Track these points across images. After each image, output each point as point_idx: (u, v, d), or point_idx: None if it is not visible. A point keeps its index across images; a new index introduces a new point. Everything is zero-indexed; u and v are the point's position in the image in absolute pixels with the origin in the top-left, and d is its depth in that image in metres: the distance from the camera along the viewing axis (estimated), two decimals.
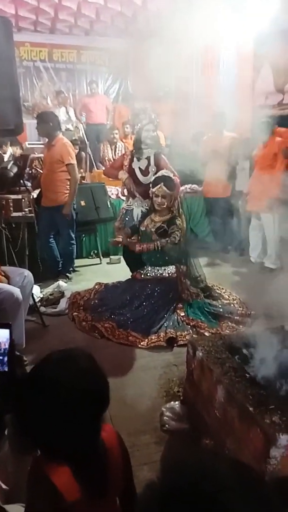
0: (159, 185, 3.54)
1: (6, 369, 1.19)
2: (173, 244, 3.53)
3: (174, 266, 3.65)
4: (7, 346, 1.19)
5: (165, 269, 3.64)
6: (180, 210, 3.77)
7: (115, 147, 6.53)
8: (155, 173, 3.76)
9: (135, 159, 3.90)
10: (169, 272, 3.64)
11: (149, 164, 3.85)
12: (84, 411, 1.01)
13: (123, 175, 3.91)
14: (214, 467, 0.69)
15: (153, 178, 3.66)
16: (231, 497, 0.62)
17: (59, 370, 1.04)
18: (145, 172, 3.86)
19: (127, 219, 4.00)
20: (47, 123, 4.29)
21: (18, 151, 6.10)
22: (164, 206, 3.58)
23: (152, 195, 3.61)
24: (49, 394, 1.00)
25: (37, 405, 1.00)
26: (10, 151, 6.03)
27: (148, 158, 3.85)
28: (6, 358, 1.18)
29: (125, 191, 4.17)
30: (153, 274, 3.66)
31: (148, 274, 3.68)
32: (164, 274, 3.63)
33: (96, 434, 1.07)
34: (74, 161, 4.40)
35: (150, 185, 3.67)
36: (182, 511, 0.62)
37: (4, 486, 1.06)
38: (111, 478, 1.09)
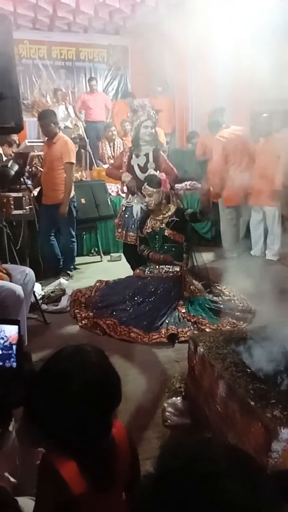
0: (143, 186, 3.58)
1: (14, 365, 1.20)
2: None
3: (178, 265, 3.67)
4: (15, 342, 1.21)
5: (169, 268, 3.66)
6: (179, 203, 3.80)
7: (114, 144, 6.53)
8: (154, 170, 3.77)
9: (133, 155, 3.90)
10: (173, 270, 3.65)
11: (147, 161, 3.85)
12: (95, 406, 1.03)
13: (126, 177, 3.88)
14: (207, 450, 0.70)
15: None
16: (224, 479, 0.63)
17: (70, 364, 1.06)
18: (143, 169, 3.86)
19: (126, 216, 4.01)
20: (49, 122, 4.30)
21: (9, 150, 6.04)
22: (152, 204, 3.59)
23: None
24: (60, 388, 1.01)
25: (48, 398, 1.02)
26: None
27: (146, 155, 3.86)
28: (15, 354, 1.20)
29: (124, 188, 4.17)
30: (157, 272, 3.68)
31: (152, 272, 3.70)
32: (168, 273, 3.65)
33: (106, 429, 1.08)
34: (73, 160, 4.41)
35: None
36: (174, 494, 0.63)
37: (12, 479, 1.08)
38: (118, 473, 1.11)
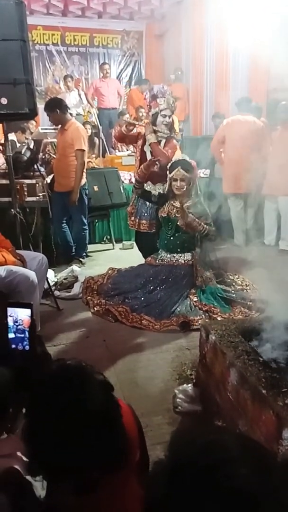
0: (176, 169, 3.50)
1: (27, 347, 1.21)
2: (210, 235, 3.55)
3: (190, 253, 3.65)
4: (28, 326, 1.22)
5: (181, 256, 3.64)
6: (200, 195, 3.74)
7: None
8: None
9: (147, 142, 3.85)
10: (185, 259, 3.64)
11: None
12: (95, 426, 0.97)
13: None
14: (219, 439, 0.70)
15: (170, 163, 3.61)
16: (236, 466, 0.63)
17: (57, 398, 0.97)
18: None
19: (139, 204, 3.99)
20: (54, 111, 4.28)
21: (22, 137, 6.01)
22: (184, 189, 3.52)
23: (170, 180, 3.58)
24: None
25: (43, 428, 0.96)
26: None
27: (160, 142, 3.81)
28: (27, 337, 1.21)
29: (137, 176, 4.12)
30: (168, 260, 3.67)
31: (164, 260, 3.69)
32: (180, 261, 3.64)
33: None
34: (84, 147, 4.38)
35: (167, 171, 3.62)
36: (188, 482, 0.63)
37: (25, 458, 1.10)
38: (127, 453, 1.11)
